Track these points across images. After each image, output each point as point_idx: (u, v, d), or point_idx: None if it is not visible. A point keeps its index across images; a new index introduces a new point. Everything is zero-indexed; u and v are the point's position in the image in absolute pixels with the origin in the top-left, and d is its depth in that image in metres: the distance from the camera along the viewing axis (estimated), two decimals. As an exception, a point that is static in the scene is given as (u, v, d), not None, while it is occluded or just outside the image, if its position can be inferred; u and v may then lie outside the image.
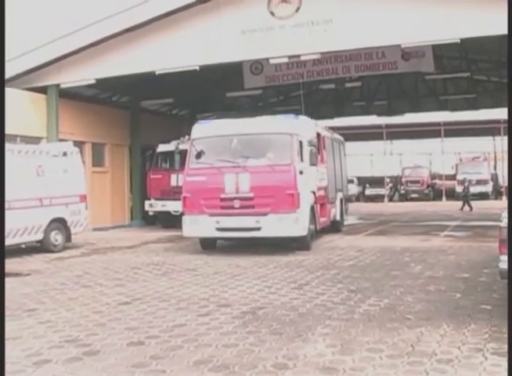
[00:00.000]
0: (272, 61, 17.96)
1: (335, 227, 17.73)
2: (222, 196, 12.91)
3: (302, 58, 17.85)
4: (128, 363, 5.38)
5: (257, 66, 21.06)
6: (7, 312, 7.45)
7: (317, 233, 14.76)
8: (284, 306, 7.56)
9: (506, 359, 4.86)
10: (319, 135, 15.84)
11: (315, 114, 20.31)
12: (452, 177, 40.77)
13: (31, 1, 55.07)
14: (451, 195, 38.43)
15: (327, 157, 16.93)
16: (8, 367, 5.33)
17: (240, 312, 7.30)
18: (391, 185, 43.96)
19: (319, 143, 15.54)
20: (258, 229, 12.64)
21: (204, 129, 13.96)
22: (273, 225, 12.50)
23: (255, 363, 5.31)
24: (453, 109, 30.45)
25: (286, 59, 17.66)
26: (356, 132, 37.00)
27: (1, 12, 7.15)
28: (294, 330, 6.39)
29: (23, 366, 5.38)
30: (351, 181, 42.65)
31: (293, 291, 8.48)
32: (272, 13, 15.50)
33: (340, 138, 20.53)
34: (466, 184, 29.30)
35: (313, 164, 13.92)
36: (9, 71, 16.39)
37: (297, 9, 15.15)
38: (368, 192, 43.56)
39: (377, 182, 43.14)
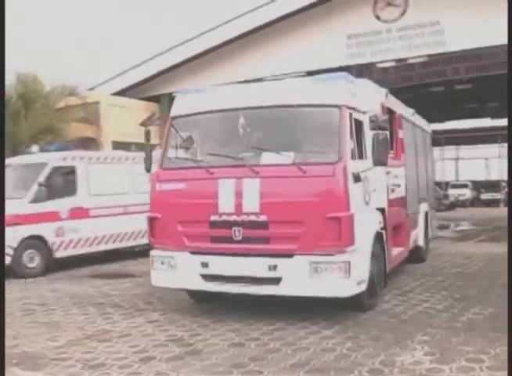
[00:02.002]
0: (378, 65, 17.81)
1: (416, 256, 11.47)
2: (213, 218, 7.22)
3: (409, 61, 17.60)
4: (227, 364, 5.62)
5: (365, 70, 20.95)
6: (121, 311, 8.00)
7: (387, 278, 8.42)
8: (386, 313, 7.55)
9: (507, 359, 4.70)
10: (391, 112, 9.57)
11: (426, 118, 19.86)
12: None
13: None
14: None
15: (406, 151, 10.47)
16: (117, 362, 5.74)
17: (341, 317, 7.37)
18: (507, 189, 42.07)
19: (391, 127, 9.45)
20: (276, 281, 7.00)
21: (192, 102, 8.08)
22: (303, 277, 6.87)
23: (351, 368, 5.40)
24: None
25: (392, 63, 17.47)
26: (469, 135, 35.81)
27: (1, 12, 6.91)
28: (394, 336, 6.39)
29: (129, 362, 5.78)
30: (464, 185, 41.53)
31: (396, 298, 8.43)
32: (378, 17, 15.46)
33: (425, 124, 14.04)
34: None
35: (381, 161, 7.51)
36: (126, 82, 17.25)
37: (403, 12, 15.02)
38: (483, 197, 41.88)
39: (493, 186, 41.41)
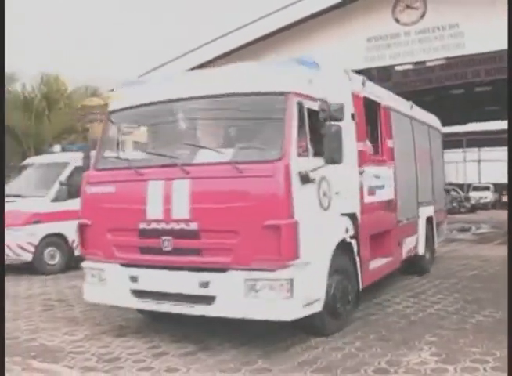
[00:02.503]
0: (397, 68, 17.83)
1: (416, 266, 10.53)
2: (142, 226, 6.36)
3: (428, 64, 17.58)
4: (237, 361, 5.79)
5: (385, 73, 20.93)
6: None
7: (359, 295, 7.38)
8: (396, 314, 7.64)
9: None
10: (372, 103, 8.49)
11: (447, 120, 19.81)
12: None
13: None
14: None
15: (397, 148, 9.22)
16: (131, 357, 5.94)
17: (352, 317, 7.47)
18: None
19: (372, 119, 8.67)
20: (208, 300, 6.02)
21: (131, 94, 7.18)
22: (237, 296, 5.88)
23: (358, 368, 5.53)
24: None
25: (411, 66, 17.47)
26: (491, 137, 35.58)
27: (1, 12, 6.82)
28: (402, 337, 6.48)
29: (143, 357, 6.00)
30: (486, 188, 41.18)
31: (408, 299, 8.51)
32: (397, 20, 15.44)
33: (433, 120, 12.73)
34: None
35: (334, 159, 6.21)
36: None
37: (423, 15, 14.99)
38: (505, 199, 41.56)
39: (515, 188, 40.99)
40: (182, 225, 6.10)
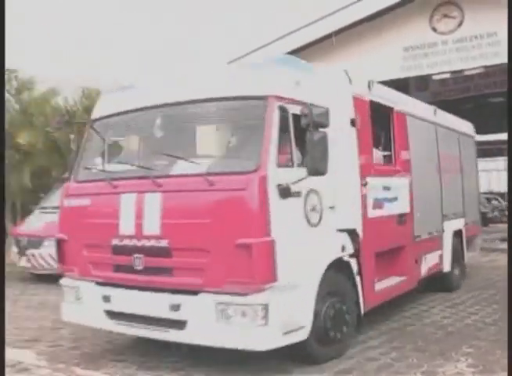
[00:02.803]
0: (434, 77, 17.76)
1: (442, 283, 9.75)
2: (114, 242, 5.97)
3: (466, 73, 17.46)
4: (272, 370, 5.86)
5: (422, 82, 20.83)
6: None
7: (361, 320, 6.69)
8: (434, 325, 7.62)
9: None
10: (382, 108, 7.86)
11: (487, 128, 19.60)
12: None
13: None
14: None
15: (416, 156, 8.45)
16: (170, 365, 6.05)
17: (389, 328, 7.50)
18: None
19: (383, 125, 8.08)
20: (180, 324, 5.55)
21: (114, 102, 6.71)
22: (209, 322, 5.40)
23: None
24: None
25: (448, 75, 17.39)
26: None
27: (1, 12, 6.75)
28: (439, 348, 6.48)
29: (182, 366, 6.12)
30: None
31: (446, 310, 8.47)
32: (434, 29, 15.42)
33: (466, 126, 11.89)
34: None
35: (318, 170, 5.59)
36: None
37: (460, 24, 14.95)
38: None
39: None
40: (153, 242, 5.66)
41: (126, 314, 5.92)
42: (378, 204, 7.30)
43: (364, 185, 6.89)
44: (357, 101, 6.93)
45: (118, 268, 6.01)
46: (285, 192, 5.41)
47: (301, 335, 5.57)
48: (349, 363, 6.03)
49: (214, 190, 5.39)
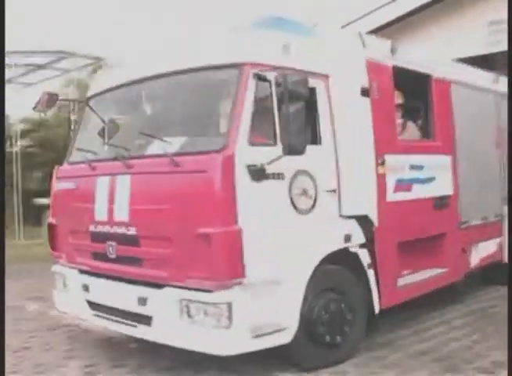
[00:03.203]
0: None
1: (503, 275, 7.32)
2: (91, 228, 5.53)
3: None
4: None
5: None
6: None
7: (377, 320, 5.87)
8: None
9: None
10: (414, 76, 6.75)
11: None
12: None
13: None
14: None
15: (464, 131, 7.22)
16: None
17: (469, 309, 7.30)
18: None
19: (418, 95, 7.05)
20: (147, 320, 4.99)
21: (108, 78, 6.37)
22: (173, 319, 4.79)
23: (473, 359, 5.42)
24: None
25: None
26: None
27: (1, 12, 6.63)
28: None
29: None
30: None
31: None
32: (522, 1, 14.93)
33: None
34: None
35: (295, 147, 4.69)
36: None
37: (548, -6, 14.38)
38: None
39: None
40: (123, 230, 5.11)
41: (103, 306, 5.43)
42: (403, 186, 6.25)
43: (381, 163, 5.90)
44: (373, 67, 5.90)
45: (96, 256, 5.54)
46: (258, 174, 4.65)
47: (283, 338, 4.82)
48: (431, 342, 5.99)
49: (176, 172, 4.74)
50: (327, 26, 5.91)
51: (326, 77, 5.41)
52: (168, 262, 4.79)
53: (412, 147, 6.62)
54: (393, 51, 6.43)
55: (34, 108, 6.45)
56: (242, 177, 4.58)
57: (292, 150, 4.66)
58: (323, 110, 5.39)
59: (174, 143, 4.99)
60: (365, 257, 5.61)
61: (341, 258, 5.38)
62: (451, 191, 7.03)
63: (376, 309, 5.65)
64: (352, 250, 5.53)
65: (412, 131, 7.04)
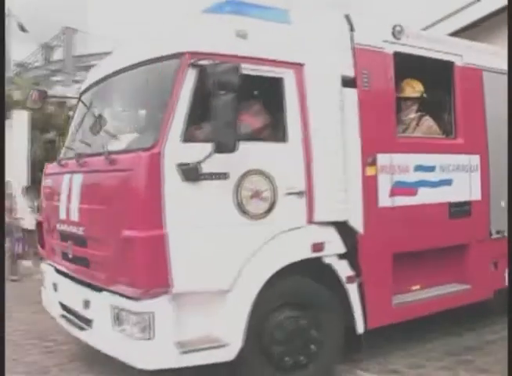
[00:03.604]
0: None
1: None
2: (58, 227, 5.41)
3: None
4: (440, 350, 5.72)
5: None
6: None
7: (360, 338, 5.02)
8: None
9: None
10: (431, 62, 5.87)
11: None
12: None
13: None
14: None
15: (496, 127, 6.10)
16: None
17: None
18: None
19: (438, 85, 6.21)
20: (90, 324, 4.74)
21: (92, 74, 5.98)
22: (106, 326, 4.47)
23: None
24: None
25: None
26: None
27: (1, 12, 6.75)
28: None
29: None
30: None
31: None
32: None
33: None
34: None
35: (225, 145, 4.12)
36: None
37: None
38: None
39: None
40: (75, 229, 4.94)
41: (66, 306, 5.25)
42: (404, 190, 5.47)
43: (370, 164, 5.19)
44: (364, 54, 5.22)
45: (63, 255, 5.34)
46: (192, 174, 4.23)
47: (222, 356, 4.31)
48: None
49: (111, 171, 4.48)
50: (306, 10, 5.11)
51: (298, 65, 4.80)
52: (103, 264, 4.54)
53: (420, 146, 5.78)
54: (396, 34, 5.52)
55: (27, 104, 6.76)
56: (171, 177, 4.19)
57: (220, 147, 4.14)
58: (291, 103, 4.79)
59: (123, 141, 4.83)
60: (343, 269, 4.93)
61: (307, 270, 4.76)
62: (477, 196, 6.09)
63: (360, 329, 4.95)
64: (326, 261, 4.86)
65: (428, 127, 6.17)
